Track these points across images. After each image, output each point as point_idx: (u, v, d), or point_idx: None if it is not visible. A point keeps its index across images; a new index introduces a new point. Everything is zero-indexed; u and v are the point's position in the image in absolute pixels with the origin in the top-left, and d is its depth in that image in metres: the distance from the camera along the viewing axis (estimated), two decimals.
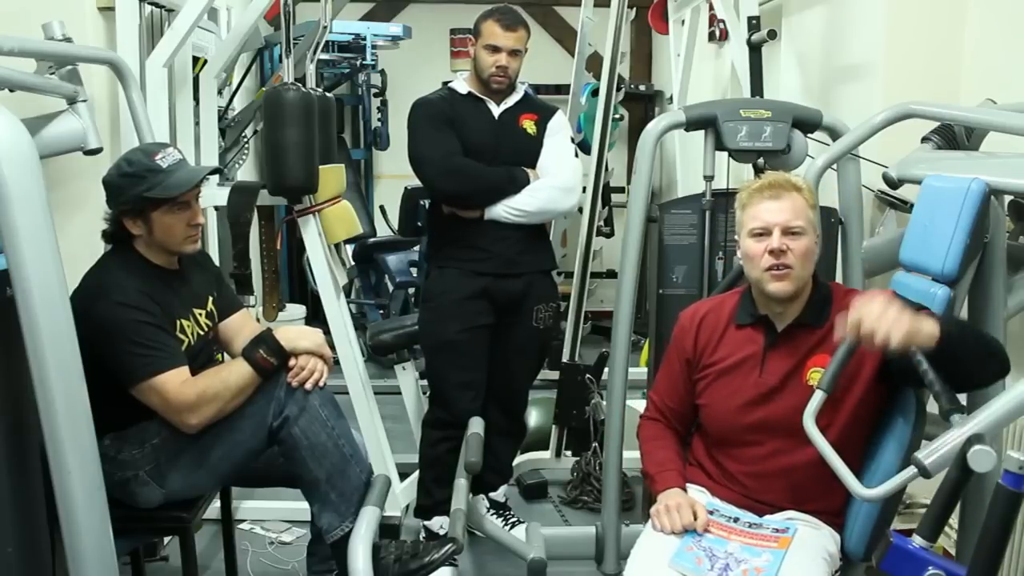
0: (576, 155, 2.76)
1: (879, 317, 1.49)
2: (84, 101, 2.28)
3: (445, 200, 2.69)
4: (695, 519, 1.74)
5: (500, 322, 2.71)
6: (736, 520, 1.78)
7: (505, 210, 2.61)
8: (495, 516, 2.89)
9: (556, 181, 2.65)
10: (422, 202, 4.82)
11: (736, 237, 1.86)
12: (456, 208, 2.66)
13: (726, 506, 1.83)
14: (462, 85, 2.72)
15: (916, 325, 1.49)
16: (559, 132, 2.72)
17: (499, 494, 2.96)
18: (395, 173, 6.01)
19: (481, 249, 2.64)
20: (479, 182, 2.61)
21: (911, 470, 1.44)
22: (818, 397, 1.66)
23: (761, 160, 2.34)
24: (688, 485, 1.88)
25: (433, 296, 2.72)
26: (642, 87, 5.83)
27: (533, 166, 2.67)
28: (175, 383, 1.93)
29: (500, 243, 2.64)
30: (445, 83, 2.91)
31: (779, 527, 1.75)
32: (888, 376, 1.73)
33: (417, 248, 5.00)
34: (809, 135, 2.36)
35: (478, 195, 2.62)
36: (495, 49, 2.60)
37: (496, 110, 2.69)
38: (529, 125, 2.70)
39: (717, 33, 4.41)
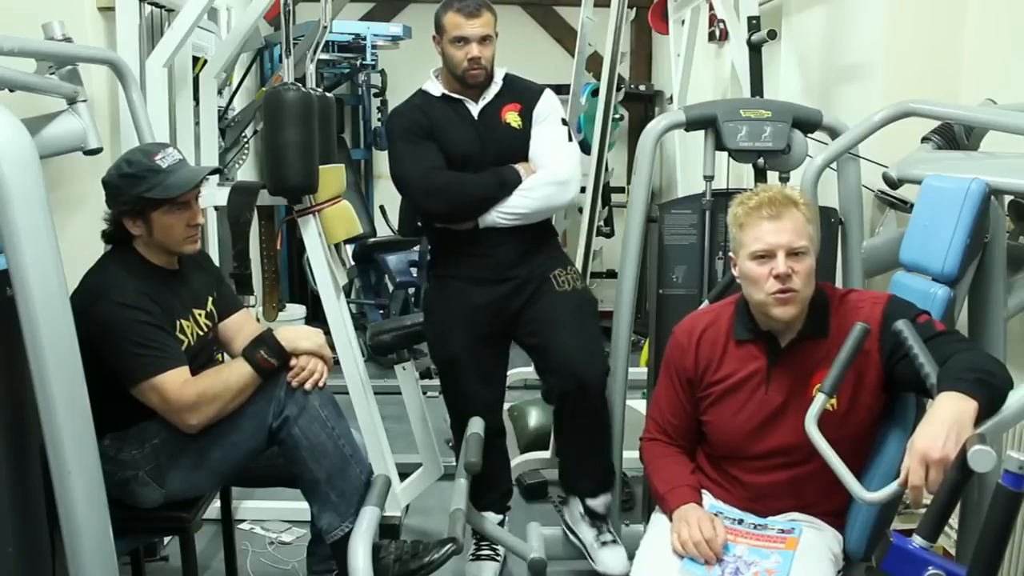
0: (570, 138, 2.52)
1: (933, 468, 1.40)
2: (84, 101, 2.28)
3: (431, 219, 2.55)
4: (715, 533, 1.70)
5: (517, 311, 2.50)
6: (740, 522, 1.78)
7: (499, 216, 2.43)
8: (590, 526, 2.57)
9: (549, 175, 2.44)
10: None
11: (732, 254, 1.82)
12: (448, 224, 2.50)
13: (729, 508, 1.83)
14: (435, 86, 2.50)
15: (960, 431, 1.40)
16: (547, 117, 2.49)
17: (598, 503, 2.56)
18: None
19: (480, 257, 2.47)
20: (463, 196, 2.42)
21: None
22: (820, 401, 1.65)
23: (761, 160, 2.34)
24: None
25: (431, 311, 2.61)
26: (642, 87, 5.83)
27: (524, 160, 2.47)
28: (175, 383, 1.93)
29: (500, 248, 2.46)
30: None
31: (784, 528, 1.75)
32: (890, 384, 1.73)
33: (417, 248, 5.00)
34: (809, 135, 2.36)
35: (465, 210, 2.44)
36: (463, 40, 2.39)
37: (475, 108, 2.48)
38: (513, 118, 2.48)
39: (717, 33, 4.41)
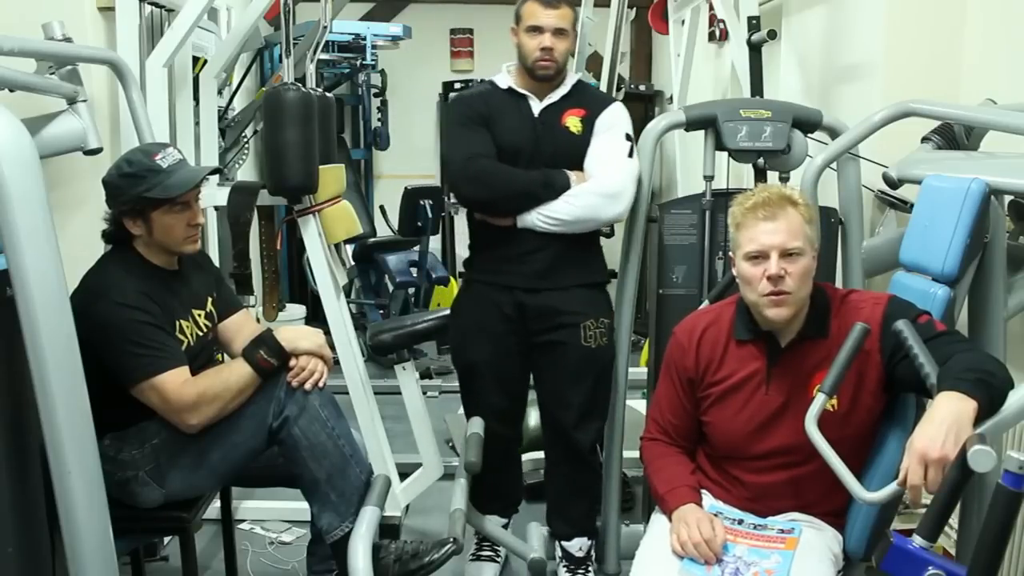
0: (631, 154, 2.38)
1: (932, 467, 1.40)
2: (84, 101, 2.28)
3: (468, 206, 2.47)
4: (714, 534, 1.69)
5: (541, 343, 2.42)
6: (740, 522, 1.78)
7: (539, 218, 2.31)
8: (566, 570, 2.57)
9: (598, 186, 2.31)
10: (422, 202, 4.83)
11: (731, 254, 1.82)
12: (485, 215, 2.41)
13: (729, 508, 1.82)
14: (504, 79, 2.43)
15: (959, 431, 1.40)
16: (610, 129, 2.38)
17: (574, 545, 2.56)
18: (395, 173, 6.03)
19: (513, 261, 2.37)
20: (503, 188, 2.33)
21: None
22: (820, 401, 1.65)
23: (761, 160, 2.34)
24: None
25: (458, 313, 2.54)
26: (642, 87, 5.83)
27: (579, 168, 2.37)
28: (175, 383, 1.93)
29: (535, 254, 2.35)
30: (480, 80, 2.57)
31: (784, 527, 1.75)
32: (891, 384, 1.73)
33: (417, 248, 5.01)
34: (809, 135, 2.36)
35: (503, 202, 2.34)
36: (537, 30, 2.31)
37: (537, 106, 2.39)
38: (573, 123, 2.38)
39: (717, 33, 4.41)
